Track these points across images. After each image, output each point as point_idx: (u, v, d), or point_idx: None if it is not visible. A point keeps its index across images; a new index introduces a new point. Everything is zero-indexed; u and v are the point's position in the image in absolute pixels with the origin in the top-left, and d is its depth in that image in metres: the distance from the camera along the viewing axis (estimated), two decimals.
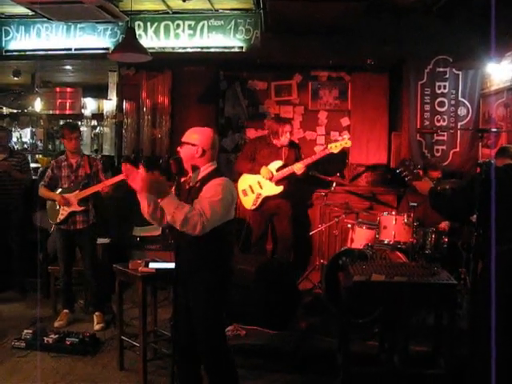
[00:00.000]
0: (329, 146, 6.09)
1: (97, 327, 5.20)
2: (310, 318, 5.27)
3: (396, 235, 5.18)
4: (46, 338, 4.68)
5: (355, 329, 4.57)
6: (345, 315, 4.04)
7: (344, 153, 6.87)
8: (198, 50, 7.19)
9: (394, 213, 5.36)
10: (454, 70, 6.52)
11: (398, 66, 6.92)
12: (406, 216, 5.15)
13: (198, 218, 3.05)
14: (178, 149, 3.38)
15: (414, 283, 3.64)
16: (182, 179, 3.44)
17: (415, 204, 5.03)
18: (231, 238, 3.53)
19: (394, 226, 5.20)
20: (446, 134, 6.60)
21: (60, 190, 5.30)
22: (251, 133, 7.50)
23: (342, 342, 4.07)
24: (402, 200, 6.35)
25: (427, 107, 6.65)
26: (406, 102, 6.78)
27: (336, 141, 6.18)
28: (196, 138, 3.33)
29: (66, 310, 5.43)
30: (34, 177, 6.68)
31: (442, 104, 6.61)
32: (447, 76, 6.57)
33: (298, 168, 5.90)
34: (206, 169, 3.35)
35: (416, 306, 4.21)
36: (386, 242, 5.25)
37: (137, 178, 3.09)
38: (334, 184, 6.21)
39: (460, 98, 6.55)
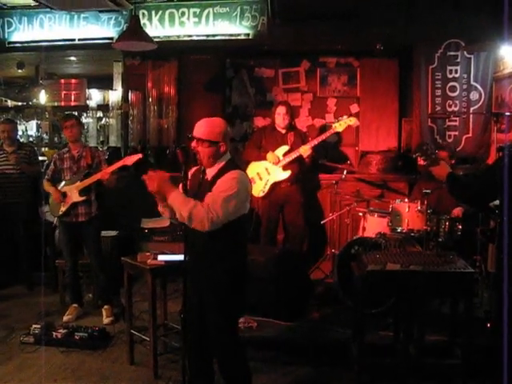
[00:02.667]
0: (333, 125, 5.98)
1: (106, 321, 5.14)
2: (322, 309, 5.19)
3: (409, 223, 5.07)
4: (54, 333, 4.64)
5: (369, 319, 4.50)
6: (358, 305, 3.97)
7: None
8: (204, 37, 7.06)
9: (406, 200, 5.24)
10: (465, 53, 6.38)
11: (408, 51, 6.78)
12: (419, 203, 5.04)
13: (205, 213, 2.95)
14: (194, 146, 3.20)
15: (430, 272, 3.57)
16: (193, 169, 3.36)
17: (429, 191, 4.91)
18: (245, 233, 3.41)
19: (407, 214, 5.09)
20: (458, 119, 6.48)
21: (63, 182, 5.25)
22: (259, 121, 7.41)
23: (356, 332, 4.01)
24: (413, 187, 6.25)
25: (438, 92, 6.52)
26: (416, 88, 6.66)
27: (341, 119, 6.05)
28: (217, 134, 3.17)
29: (74, 304, 5.38)
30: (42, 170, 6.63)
31: (453, 89, 6.48)
32: (459, 60, 6.44)
33: (305, 150, 5.78)
34: (221, 161, 3.21)
35: (432, 295, 4.12)
36: (398, 230, 5.14)
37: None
38: (345, 172, 6.09)
39: (472, 82, 6.42)
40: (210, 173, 3.23)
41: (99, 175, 5.08)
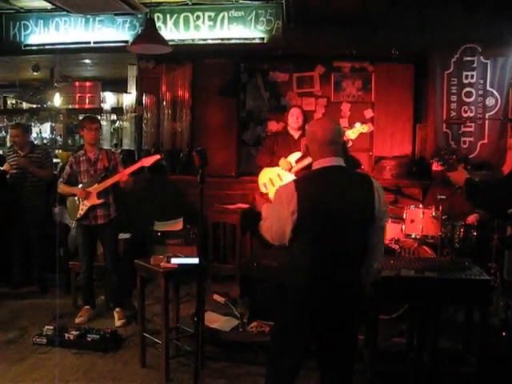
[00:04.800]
0: (346, 133, 5.96)
1: (118, 323, 5.14)
2: None
3: (424, 229, 5.05)
4: (67, 335, 4.64)
5: (382, 325, 4.46)
6: (372, 311, 3.93)
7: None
8: (219, 41, 7.07)
9: (421, 206, 5.22)
10: (482, 58, 6.33)
11: (424, 56, 6.74)
12: (434, 209, 5.01)
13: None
14: None
15: (445, 279, 3.54)
16: None
17: (444, 197, 4.88)
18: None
19: (421, 220, 5.07)
20: (473, 125, 6.42)
21: (80, 185, 5.24)
22: (273, 125, 7.39)
23: (368, 338, 3.96)
24: (427, 193, 6.22)
25: (454, 98, 6.47)
26: (431, 93, 6.62)
27: (353, 127, 6.03)
28: (306, 137, 3.01)
29: (86, 306, 5.39)
30: (54, 172, 6.65)
31: (469, 94, 6.43)
32: (475, 65, 6.38)
33: None
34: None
35: (447, 302, 4.08)
36: (413, 236, 5.12)
37: None
38: None
39: (488, 88, 6.36)
40: None
41: (118, 177, 5.10)
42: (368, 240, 2.82)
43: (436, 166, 5.63)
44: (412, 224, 5.14)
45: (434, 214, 5.02)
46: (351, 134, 5.87)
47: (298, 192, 2.71)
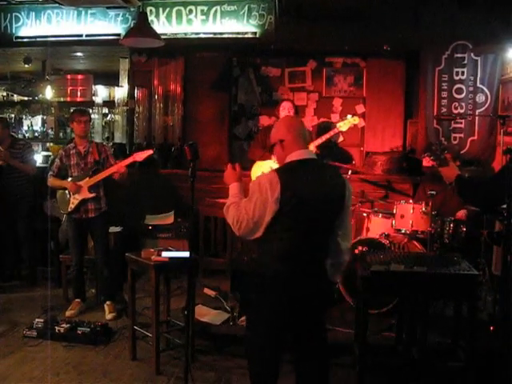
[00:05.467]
0: (337, 124, 5.98)
1: (109, 317, 5.14)
2: None
3: (413, 224, 5.06)
4: (57, 328, 4.64)
5: (372, 320, 4.48)
6: (361, 306, 3.95)
7: None
8: (211, 35, 7.06)
9: (411, 201, 5.24)
10: (472, 55, 6.36)
11: (415, 52, 6.77)
12: (424, 205, 5.04)
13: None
14: None
15: (434, 273, 3.55)
16: None
17: (434, 192, 4.91)
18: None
19: (411, 215, 5.09)
20: (463, 121, 6.46)
21: (70, 178, 5.23)
22: (264, 120, 7.41)
23: (358, 333, 3.99)
24: (417, 188, 6.25)
25: (444, 94, 6.50)
26: (422, 89, 6.65)
27: (345, 119, 6.05)
28: (272, 135, 3.11)
29: (77, 300, 5.38)
30: (44, 165, 6.61)
31: (459, 91, 6.46)
32: (465, 62, 6.41)
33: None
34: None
35: (436, 296, 4.11)
36: (403, 231, 5.14)
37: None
38: (350, 172, 6.08)
39: (479, 85, 6.39)
40: None
41: (109, 171, 5.10)
42: (339, 224, 3.01)
43: (427, 162, 5.64)
44: (402, 219, 5.16)
45: (424, 209, 5.04)
46: (342, 126, 5.88)
47: (281, 181, 2.82)
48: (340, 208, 2.98)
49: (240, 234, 2.97)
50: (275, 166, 5.70)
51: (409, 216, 5.11)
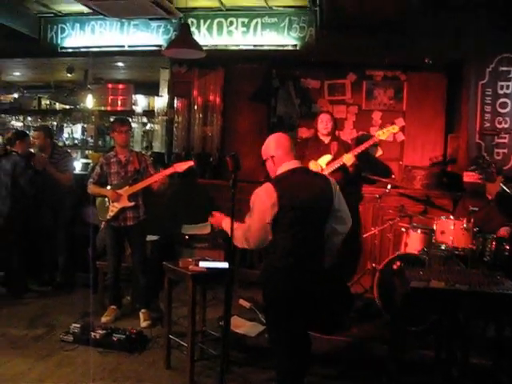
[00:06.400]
0: (376, 133, 5.93)
1: (144, 324, 5.16)
2: (361, 324, 5.12)
3: (454, 241, 4.96)
4: (93, 333, 4.68)
5: (409, 336, 4.41)
6: (399, 322, 3.89)
7: None
8: (251, 47, 7.13)
9: (451, 217, 5.14)
10: None
11: (458, 65, 6.67)
12: (465, 221, 4.93)
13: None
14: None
15: (476, 292, 3.45)
16: None
17: (476, 209, 4.81)
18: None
19: (451, 231, 4.99)
20: (507, 136, 6.30)
21: (109, 186, 5.29)
22: (303, 132, 7.36)
23: (394, 349, 3.92)
24: (458, 204, 6.13)
25: (488, 108, 6.36)
26: (464, 103, 6.52)
27: (384, 128, 5.98)
28: (264, 151, 3.53)
29: (113, 306, 5.43)
30: (83, 172, 6.69)
31: (504, 105, 6.31)
32: (511, 75, 6.28)
33: (348, 158, 5.72)
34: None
35: (477, 316, 4.00)
36: (443, 247, 5.04)
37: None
38: (389, 186, 6.01)
39: None
40: None
41: (149, 181, 5.15)
42: (333, 213, 3.40)
43: (468, 177, 5.55)
44: (442, 235, 5.06)
45: (464, 225, 4.93)
46: (382, 135, 5.86)
47: (276, 188, 3.24)
48: (330, 203, 3.36)
49: (254, 246, 3.35)
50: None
51: (449, 232, 5.01)
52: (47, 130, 6.55)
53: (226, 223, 3.51)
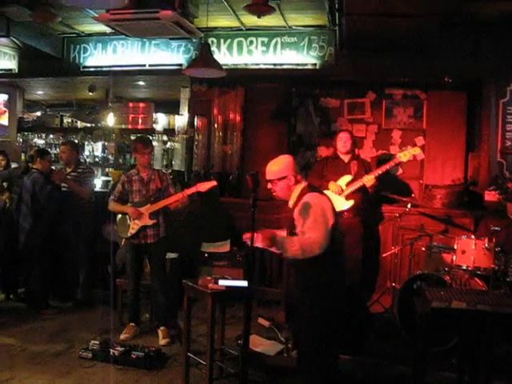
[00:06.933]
0: (397, 155, 5.91)
1: (162, 342, 5.15)
2: (381, 344, 5.07)
3: (475, 260, 4.92)
4: (112, 350, 4.68)
5: (430, 358, 4.35)
6: (420, 343, 3.83)
7: None
8: (271, 66, 7.19)
9: (473, 237, 5.09)
10: None
11: (478, 84, 6.65)
12: (486, 240, 4.88)
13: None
14: (270, 187, 3.62)
15: (499, 313, 3.41)
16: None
17: (498, 228, 4.76)
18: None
19: (473, 251, 4.94)
20: None
21: (130, 204, 5.33)
22: (323, 151, 7.37)
23: (416, 371, 3.86)
24: (479, 223, 6.06)
25: (510, 127, 6.35)
26: (485, 122, 6.50)
27: (405, 149, 5.97)
28: (282, 170, 3.56)
29: (132, 324, 5.43)
30: (103, 189, 6.76)
31: None
32: None
33: (368, 180, 5.71)
34: (297, 190, 3.55)
35: (500, 337, 3.93)
36: (464, 267, 4.99)
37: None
38: (409, 205, 5.97)
39: None
40: (291, 203, 3.58)
41: (170, 200, 5.18)
42: None
43: (490, 196, 5.50)
44: (463, 255, 5.02)
45: (486, 245, 4.89)
46: (403, 156, 5.83)
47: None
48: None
49: (320, 251, 3.31)
50: (333, 196, 5.76)
51: (470, 252, 4.97)
52: (74, 144, 6.73)
53: (279, 235, 3.51)
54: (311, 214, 3.33)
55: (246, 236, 3.50)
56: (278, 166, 3.58)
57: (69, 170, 6.32)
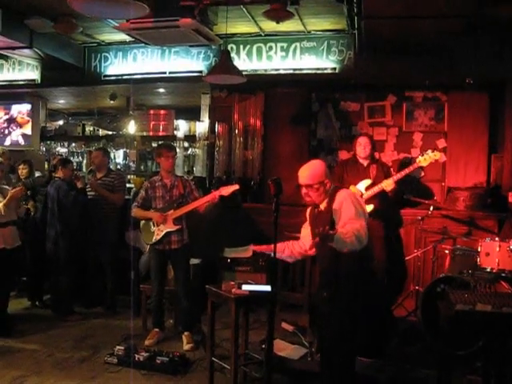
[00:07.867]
0: (417, 159, 5.86)
1: (186, 347, 5.18)
2: (405, 347, 5.05)
3: (500, 263, 4.87)
4: (137, 356, 4.72)
5: (455, 361, 4.31)
6: (445, 346, 3.82)
7: None
8: (291, 71, 7.22)
9: (497, 239, 5.04)
10: None
11: (500, 85, 6.59)
12: (511, 242, 4.83)
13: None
14: (305, 192, 3.66)
15: None
16: (308, 211, 3.90)
17: None
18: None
19: (497, 253, 4.89)
20: None
21: (153, 210, 5.37)
22: (343, 155, 7.36)
23: (441, 374, 3.85)
24: (503, 225, 6.01)
25: None
26: (508, 123, 6.45)
27: (425, 154, 5.93)
28: (320, 175, 3.62)
29: (156, 329, 5.47)
30: (126, 197, 6.84)
31: None
32: None
33: (388, 184, 5.67)
34: (328, 193, 3.65)
35: None
36: (488, 269, 4.95)
37: None
38: (432, 208, 5.94)
39: None
40: (323, 205, 3.65)
41: (195, 204, 5.25)
42: None
43: None
44: (487, 257, 4.97)
45: (511, 247, 4.84)
46: (423, 161, 5.78)
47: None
48: None
49: (366, 239, 3.38)
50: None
51: (495, 254, 4.92)
52: (106, 151, 6.93)
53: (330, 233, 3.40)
54: (351, 205, 3.45)
55: (256, 248, 3.83)
56: (316, 171, 3.64)
57: (99, 176, 6.44)
